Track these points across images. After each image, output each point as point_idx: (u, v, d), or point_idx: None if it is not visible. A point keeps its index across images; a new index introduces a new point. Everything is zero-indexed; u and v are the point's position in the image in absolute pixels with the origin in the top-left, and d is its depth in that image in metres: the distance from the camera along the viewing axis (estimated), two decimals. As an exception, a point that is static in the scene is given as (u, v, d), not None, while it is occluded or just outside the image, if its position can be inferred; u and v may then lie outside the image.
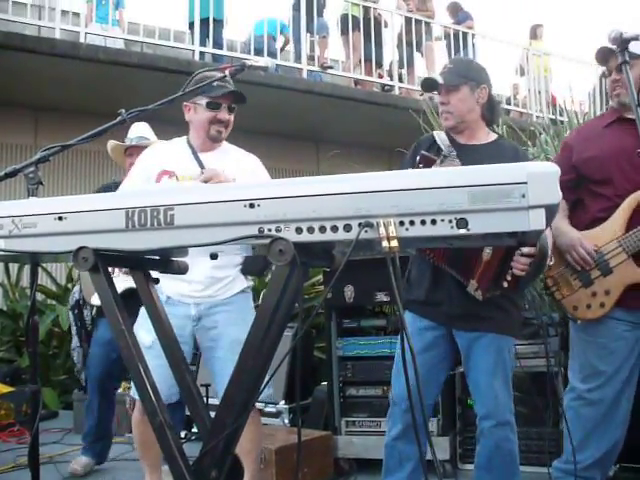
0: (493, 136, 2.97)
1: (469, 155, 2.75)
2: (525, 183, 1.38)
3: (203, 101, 3.07)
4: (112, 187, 4.03)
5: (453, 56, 10.35)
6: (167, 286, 3.07)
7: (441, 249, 2.63)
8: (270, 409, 4.52)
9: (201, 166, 3.07)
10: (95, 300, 4.06)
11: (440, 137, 2.91)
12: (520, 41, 11.74)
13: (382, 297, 4.02)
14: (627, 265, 2.76)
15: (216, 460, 1.60)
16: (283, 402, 4.46)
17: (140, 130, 4.19)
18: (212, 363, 3.09)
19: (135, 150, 4.06)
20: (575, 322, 2.90)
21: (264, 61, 2.37)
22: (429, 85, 2.91)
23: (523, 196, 1.38)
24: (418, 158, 2.64)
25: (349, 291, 4.00)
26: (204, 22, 8.62)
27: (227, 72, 2.25)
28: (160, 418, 1.62)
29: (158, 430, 1.63)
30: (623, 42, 2.31)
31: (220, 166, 3.00)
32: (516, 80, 11.89)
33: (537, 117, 10.36)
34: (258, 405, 4.57)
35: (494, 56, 10.83)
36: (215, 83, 2.95)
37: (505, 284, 2.60)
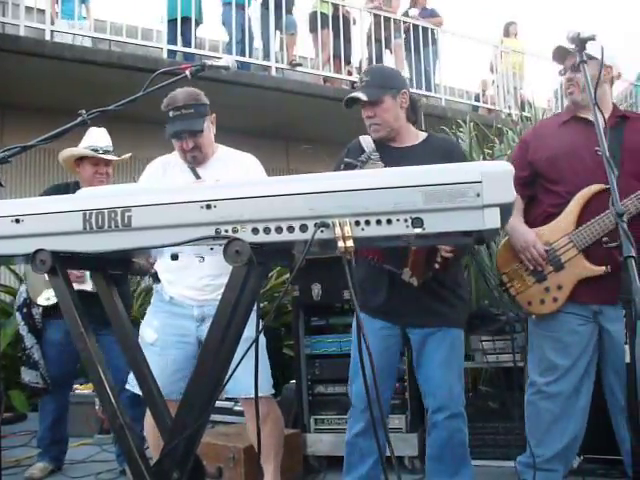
0: (423, 135, 3.00)
1: (400, 158, 2.77)
2: (480, 182, 1.40)
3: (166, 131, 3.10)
4: (62, 188, 4.00)
5: (422, 52, 10.42)
6: (168, 289, 3.15)
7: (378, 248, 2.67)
8: (239, 408, 4.51)
9: (198, 178, 3.12)
10: (42, 300, 4.04)
11: (365, 141, 2.94)
12: (490, 39, 11.80)
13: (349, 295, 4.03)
14: (578, 260, 2.82)
15: (178, 461, 1.59)
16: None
17: (106, 138, 4.10)
18: None
19: (102, 161, 4.01)
20: (530, 317, 2.98)
21: (225, 60, 2.36)
22: (352, 102, 2.88)
23: (478, 195, 1.40)
24: (342, 167, 2.72)
25: (316, 289, 4.01)
26: (175, 21, 8.58)
27: (187, 72, 2.24)
28: (120, 420, 1.62)
29: (118, 431, 1.63)
30: (581, 42, 2.34)
31: (217, 175, 3.04)
32: (486, 77, 11.97)
33: (507, 114, 10.42)
34: (226, 404, 4.59)
35: (463, 53, 10.90)
36: (171, 113, 3.03)
37: (437, 266, 2.66)
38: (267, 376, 3.24)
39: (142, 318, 5.99)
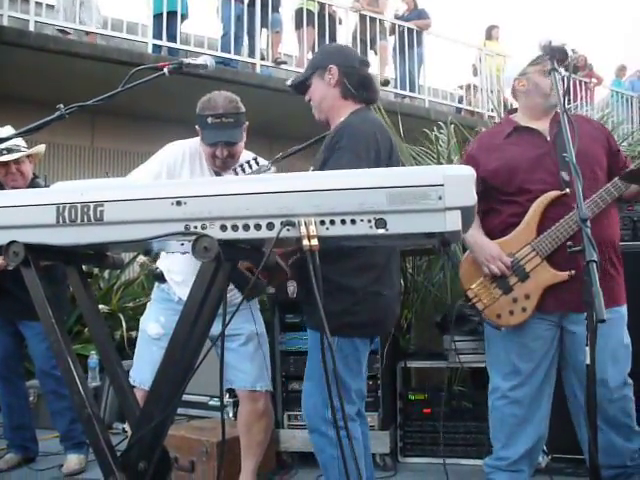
0: (343, 117, 2.66)
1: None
2: (442, 185, 1.44)
3: (201, 136, 3.05)
4: None
5: (407, 53, 10.48)
6: (177, 290, 3.15)
7: None
8: (214, 402, 4.55)
9: None
10: None
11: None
12: (474, 41, 11.90)
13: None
14: (542, 268, 2.83)
15: (144, 452, 1.62)
16: (227, 395, 4.48)
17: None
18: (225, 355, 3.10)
19: (11, 161, 3.95)
20: (499, 329, 2.94)
21: (203, 59, 2.37)
22: (296, 90, 2.83)
23: (440, 198, 1.44)
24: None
25: (292, 286, 4.03)
26: (160, 16, 8.58)
27: (165, 70, 2.26)
28: (88, 410, 1.65)
29: (86, 422, 1.66)
30: (551, 50, 2.39)
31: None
32: (469, 80, 12.05)
33: (489, 117, 10.51)
34: (202, 399, 4.62)
35: (447, 55, 10.97)
36: (209, 120, 2.96)
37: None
38: (269, 372, 3.31)
39: (121, 312, 6.09)
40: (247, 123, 3.13)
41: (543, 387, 2.92)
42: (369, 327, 2.64)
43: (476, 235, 2.95)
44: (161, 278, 3.20)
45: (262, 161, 3.03)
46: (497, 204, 2.98)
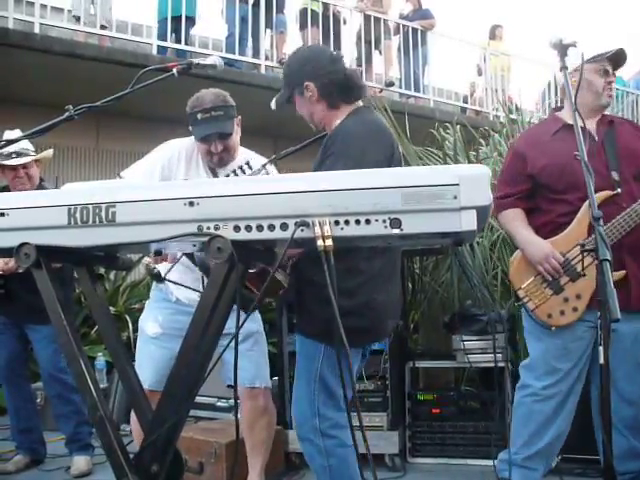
0: (339, 120, 2.60)
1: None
2: (457, 185, 1.44)
3: (194, 133, 3.03)
4: None
5: (411, 53, 10.45)
6: (175, 290, 3.15)
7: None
8: (222, 404, 4.55)
9: None
10: None
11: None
12: (478, 41, 11.86)
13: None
14: (593, 268, 2.81)
15: (157, 454, 1.62)
16: (235, 396, 4.47)
17: (19, 143, 3.82)
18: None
19: (19, 165, 3.95)
20: (549, 329, 2.92)
21: (212, 59, 2.38)
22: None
23: (455, 197, 1.43)
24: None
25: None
26: (166, 18, 8.59)
27: (174, 71, 2.26)
28: (100, 412, 1.64)
29: (98, 424, 1.65)
30: (562, 48, 2.38)
31: None
32: (474, 79, 12.02)
33: (494, 116, 10.50)
34: (210, 400, 4.62)
35: (452, 55, 10.94)
36: (199, 116, 2.93)
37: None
38: (267, 368, 3.31)
39: (127, 313, 6.09)
40: (239, 117, 3.11)
41: (575, 385, 2.92)
42: (360, 335, 2.48)
43: (527, 234, 2.95)
44: (159, 278, 3.18)
45: (256, 164, 2.94)
46: (545, 203, 2.97)
